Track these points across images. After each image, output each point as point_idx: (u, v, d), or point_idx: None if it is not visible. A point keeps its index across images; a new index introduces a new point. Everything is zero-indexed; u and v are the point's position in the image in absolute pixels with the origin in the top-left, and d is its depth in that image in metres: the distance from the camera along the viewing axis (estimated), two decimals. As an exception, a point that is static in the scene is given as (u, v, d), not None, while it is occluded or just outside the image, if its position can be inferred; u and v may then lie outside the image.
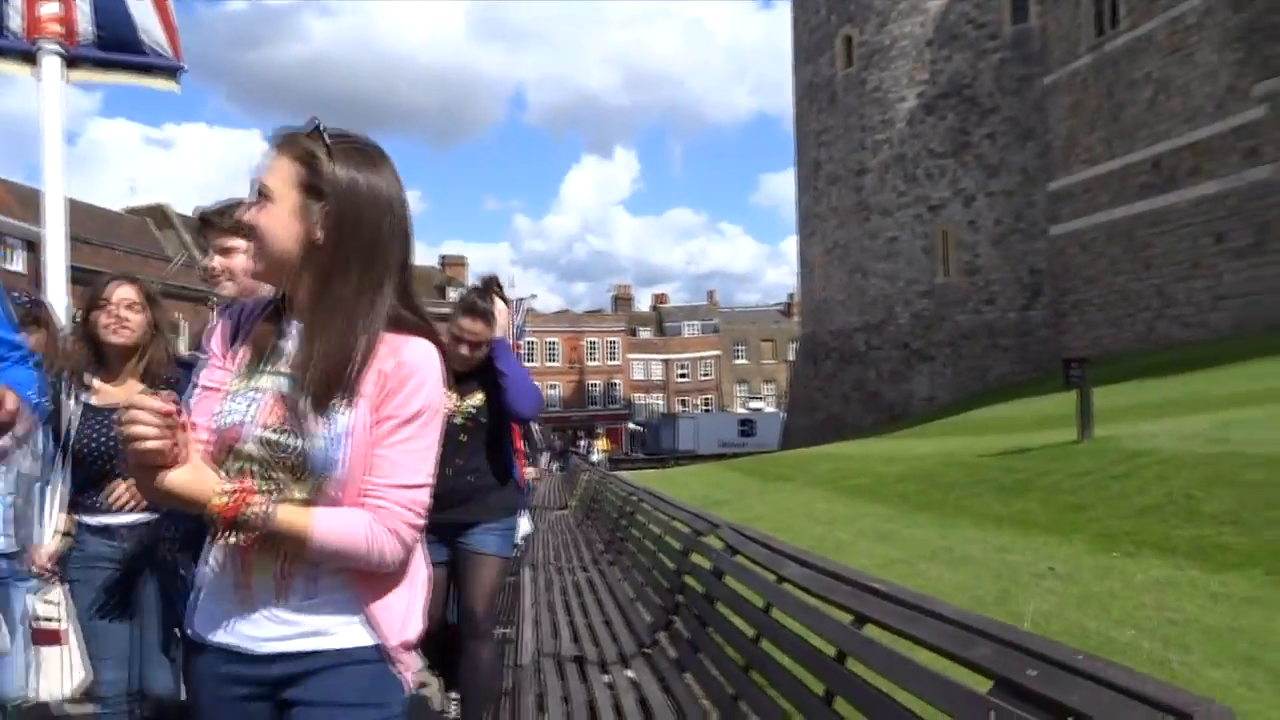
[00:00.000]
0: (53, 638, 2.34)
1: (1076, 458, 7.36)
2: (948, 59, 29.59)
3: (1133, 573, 4.23)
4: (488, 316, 2.86)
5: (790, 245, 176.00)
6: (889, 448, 13.90)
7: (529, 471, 8.33)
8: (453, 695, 3.29)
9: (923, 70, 30.03)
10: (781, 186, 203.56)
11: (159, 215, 41.94)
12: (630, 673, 3.10)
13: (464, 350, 2.84)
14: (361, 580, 1.32)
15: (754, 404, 64.75)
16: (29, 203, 27.31)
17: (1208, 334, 21.86)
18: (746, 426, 52.33)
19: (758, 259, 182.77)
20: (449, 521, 2.81)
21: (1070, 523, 5.38)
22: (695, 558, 3.28)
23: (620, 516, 5.60)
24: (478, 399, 2.96)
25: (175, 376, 2.47)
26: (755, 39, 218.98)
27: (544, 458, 24.53)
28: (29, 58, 3.35)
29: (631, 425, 64.48)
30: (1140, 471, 6.20)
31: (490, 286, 3.03)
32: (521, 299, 37.85)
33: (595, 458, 38.14)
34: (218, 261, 2.29)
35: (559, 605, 4.20)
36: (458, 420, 2.90)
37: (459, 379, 2.93)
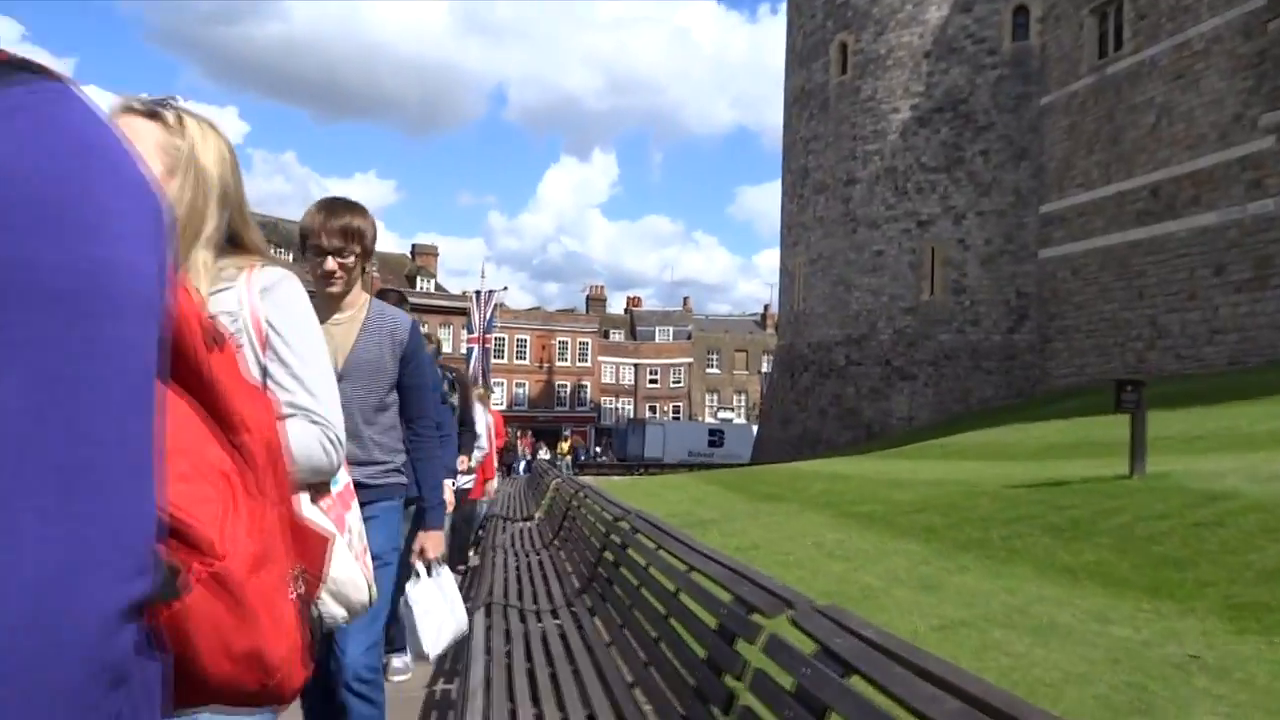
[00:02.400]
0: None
1: (1137, 496, 6.39)
2: (945, 72, 28.87)
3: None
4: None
5: (764, 259, 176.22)
6: (882, 469, 12.90)
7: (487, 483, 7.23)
8: None
9: (919, 82, 29.29)
10: (758, 200, 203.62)
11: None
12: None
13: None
14: None
15: (724, 414, 63.83)
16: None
17: (1201, 367, 21.23)
18: (715, 437, 51.32)
19: (731, 270, 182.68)
20: None
21: (1174, 584, 4.37)
22: (742, 647, 2.18)
23: (605, 549, 4.45)
24: None
25: None
26: (740, 52, 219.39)
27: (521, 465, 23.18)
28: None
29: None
30: (1233, 519, 5.23)
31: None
32: (492, 291, 36.56)
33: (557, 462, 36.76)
34: (334, 263, 2.54)
35: (522, 685, 3.05)
36: None
37: None
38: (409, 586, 2.75)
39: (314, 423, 1.56)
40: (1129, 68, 24.16)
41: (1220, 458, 7.98)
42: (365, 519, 2.61)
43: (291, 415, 1.53)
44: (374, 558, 2.07)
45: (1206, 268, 21.63)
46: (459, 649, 4.77)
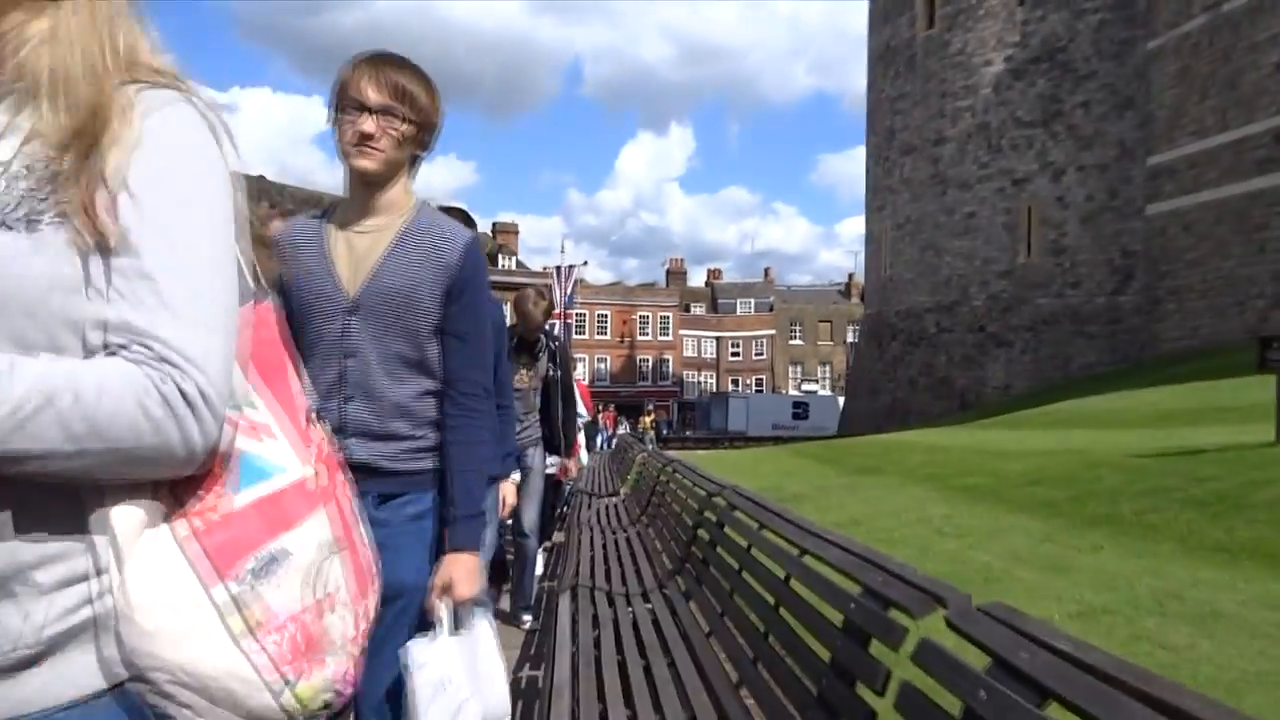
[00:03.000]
0: None
1: (1288, 467, 5.72)
2: (1041, 19, 27.22)
3: None
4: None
5: (846, 227, 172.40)
6: (983, 439, 12.20)
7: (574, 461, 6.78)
8: None
9: (1013, 32, 27.71)
10: (839, 167, 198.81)
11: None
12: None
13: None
14: None
15: (808, 386, 62.75)
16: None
17: (1333, 326, 19.56)
18: (800, 409, 50.41)
19: (812, 240, 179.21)
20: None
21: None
22: (878, 651, 1.80)
23: (699, 527, 4.11)
24: None
25: None
26: (817, 14, 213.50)
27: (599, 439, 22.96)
28: None
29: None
30: None
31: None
32: (572, 266, 36.54)
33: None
34: (375, 124, 1.82)
35: (612, 680, 2.74)
36: None
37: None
38: (415, 645, 1.68)
39: (148, 360, 0.84)
40: (1248, 3, 22.28)
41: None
42: (380, 526, 1.73)
43: (117, 349, 0.84)
44: (390, 593, 1.31)
45: (1339, 217, 19.90)
46: (544, 629, 4.53)
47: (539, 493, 4.85)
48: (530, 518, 4.73)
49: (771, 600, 2.53)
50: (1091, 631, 3.45)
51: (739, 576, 3.05)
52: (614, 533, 6.29)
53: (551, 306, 4.88)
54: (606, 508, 8.25)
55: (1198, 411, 11.27)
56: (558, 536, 7.58)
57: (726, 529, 3.57)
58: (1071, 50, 26.78)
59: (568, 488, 8.89)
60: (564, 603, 3.73)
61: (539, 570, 5.47)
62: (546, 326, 4.85)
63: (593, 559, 4.96)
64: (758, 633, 2.56)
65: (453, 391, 1.88)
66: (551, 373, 4.82)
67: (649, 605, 3.83)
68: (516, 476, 4.13)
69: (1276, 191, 21.40)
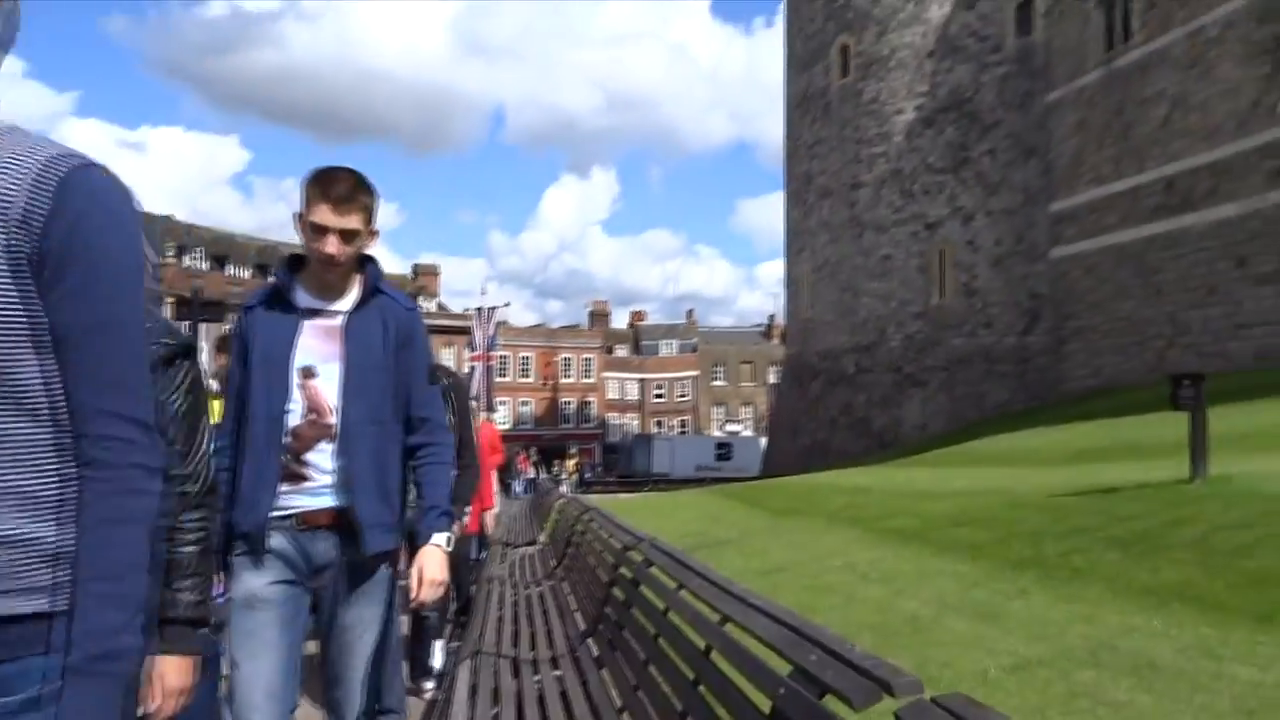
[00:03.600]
0: None
1: (1207, 503, 5.71)
2: (949, 71, 28.30)
3: None
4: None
5: (765, 270, 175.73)
6: (904, 479, 12.19)
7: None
8: None
9: (923, 82, 28.72)
10: (757, 211, 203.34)
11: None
12: None
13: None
14: None
15: (731, 427, 63.02)
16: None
17: (1226, 365, 20.45)
18: (723, 450, 50.52)
19: (733, 283, 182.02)
20: None
21: (1276, 606, 3.68)
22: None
23: (614, 584, 3.78)
24: None
25: None
26: (736, 66, 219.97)
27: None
28: None
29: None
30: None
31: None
32: (494, 308, 35.96)
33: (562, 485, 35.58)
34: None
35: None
36: None
37: None
38: None
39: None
40: (1139, 59, 23.56)
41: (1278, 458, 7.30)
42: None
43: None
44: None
45: (1227, 260, 20.93)
46: (445, 701, 4.08)
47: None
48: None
49: (691, 675, 2.21)
50: (1027, 686, 3.24)
51: (655, 644, 2.72)
52: (527, 587, 5.89)
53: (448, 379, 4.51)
54: (523, 559, 7.83)
55: (1107, 449, 11.49)
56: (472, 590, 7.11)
57: (642, 588, 3.25)
58: (977, 101, 27.87)
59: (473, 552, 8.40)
60: (463, 674, 3.34)
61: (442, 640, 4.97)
62: (441, 361, 4.53)
63: (500, 619, 4.55)
64: (674, 713, 2.24)
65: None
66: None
67: (558, 673, 3.46)
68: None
69: (1170, 237, 22.46)
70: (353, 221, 2.13)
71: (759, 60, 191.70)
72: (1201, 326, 21.62)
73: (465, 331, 44.74)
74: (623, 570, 3.72)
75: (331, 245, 2.11)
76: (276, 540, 2.13)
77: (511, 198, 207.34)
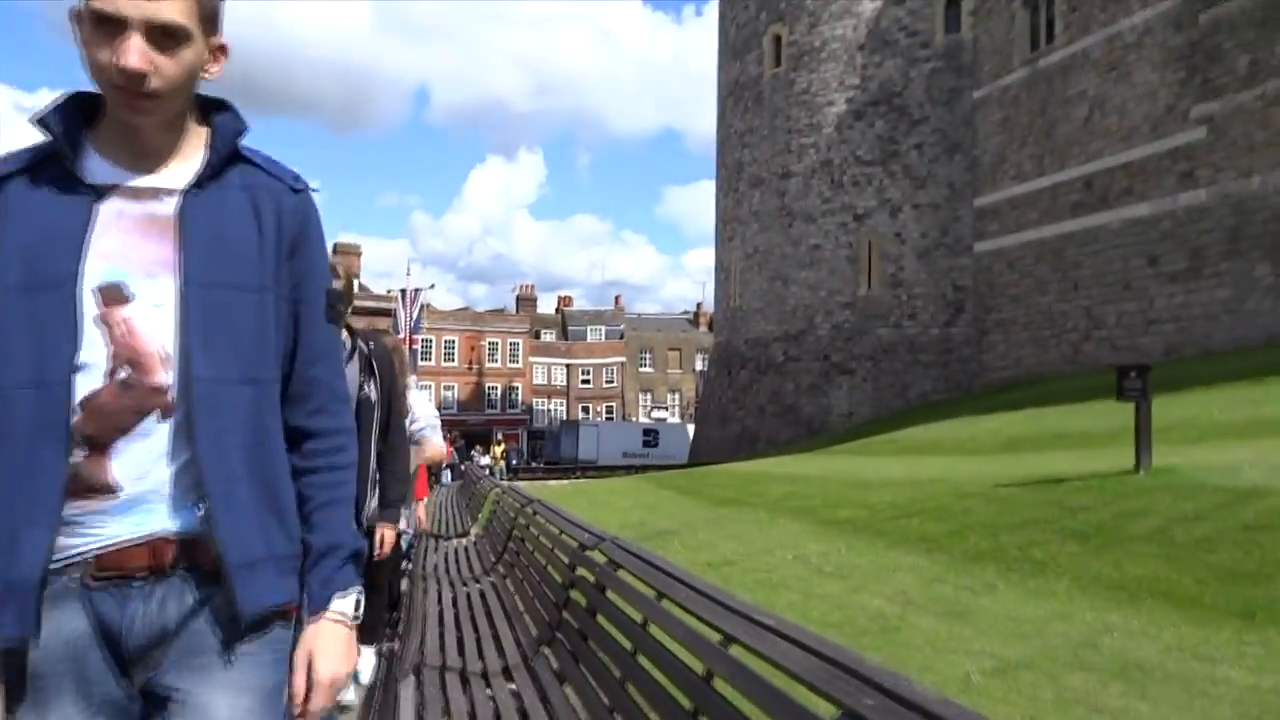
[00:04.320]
0: None
1: (1156, 494, 5.75)
2: (879, 65, 28.62)
3: None
4: None
5: (693, 258, 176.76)
6: (839, 467, 12.21)
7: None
8: None
9: (853, 75, 28.98)
10: (685, 200, 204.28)
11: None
12: None
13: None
14: None
15: (658, 414, 63.14)
16: None
17: (1138, 359, 21.21)
18: (650, 437, 50.53)
19: (660, 270, 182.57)
20: None
21: (1260, 604, 3.65)
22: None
23: (572, 586, 3.49)
24: None
25: None
26: (666, 54, 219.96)
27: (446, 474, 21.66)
28: None
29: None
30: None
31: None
32: (418, 290, 35.05)
33: (484, 460, 35.12)
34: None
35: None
36: None
37: None
38: None
39: None
40: (1061, 60, 24.19)
41: (1216, 448, 7.47)
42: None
43: None
44: None
45: (1140, 258, 21.71)
46: None
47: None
48: None
49: (689, 704, 1.95)
50: (1014, 692, 3.11)
51: (633, 660, 2.46)
52: (465, 584, 5.57)
53: (350, 290, 3.18)
54: (455, 551, 7.47)
55: (1038, 439, 11.71)
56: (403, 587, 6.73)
57: (610, 593, 2.98)
58: (906, 95, 28.26)
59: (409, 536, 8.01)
60: (407, 691, 3.02)
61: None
62: (356, 325, 3.43)
63: (442, 623, 4.23)
64: None
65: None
66: (365, 390, 3.24)
67: (512, 686, 3.18)
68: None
69: (1088, 233, 23.18)
70: (169, 10, 1.18)
71: (688, 48, 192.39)
72: (1116, 321, 22.40)
73: (388, 314, 43.63)
74: (582, 572, 3.44)
75: (134, 54, 1.17)
76: (60, 617, 1.18)
77: (435, 179, 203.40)
